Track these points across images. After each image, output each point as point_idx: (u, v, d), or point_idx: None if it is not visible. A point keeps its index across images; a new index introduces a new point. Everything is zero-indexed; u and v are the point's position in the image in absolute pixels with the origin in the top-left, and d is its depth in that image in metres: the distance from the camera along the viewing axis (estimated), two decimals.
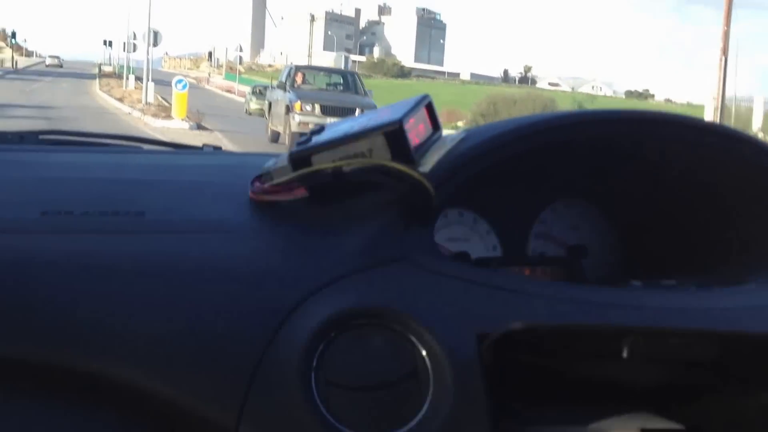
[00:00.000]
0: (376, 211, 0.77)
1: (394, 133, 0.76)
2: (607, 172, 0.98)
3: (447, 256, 0.81)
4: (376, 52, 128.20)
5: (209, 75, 63.37)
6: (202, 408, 0.63)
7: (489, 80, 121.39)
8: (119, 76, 52.36)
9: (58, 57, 76.40)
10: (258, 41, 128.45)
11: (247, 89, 36.89)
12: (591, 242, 1.02)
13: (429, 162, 0.78)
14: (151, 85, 25.53)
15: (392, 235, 0.74)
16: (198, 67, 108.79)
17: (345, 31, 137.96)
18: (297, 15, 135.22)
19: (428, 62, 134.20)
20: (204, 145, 1.32)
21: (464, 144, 0.81)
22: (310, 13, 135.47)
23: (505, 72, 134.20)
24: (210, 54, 65.90)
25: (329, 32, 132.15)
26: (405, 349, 0.66)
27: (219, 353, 0.65)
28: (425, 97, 0.83)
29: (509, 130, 0.83)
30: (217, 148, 1.28)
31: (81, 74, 55.16)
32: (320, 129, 0.84)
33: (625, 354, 0.68)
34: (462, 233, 0.98)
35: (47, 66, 67.88)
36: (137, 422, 0.67)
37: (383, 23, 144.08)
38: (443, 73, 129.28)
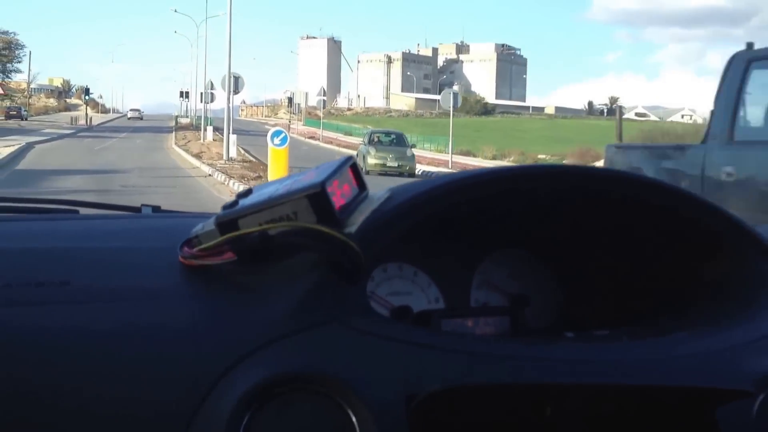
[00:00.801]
0: (305, 274, 0.76)
1: (316, 196, 0.77)
2: (539, 223, 1.00)
3: (380, 316, 0.81)
4: (457, 88, 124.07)
5: (289, 122, 59.88)
6: None
7: (575, 113, 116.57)
8: (196, 128, 49.38)
9: (139, 110, 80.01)
10: (334, 85, 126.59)
11: (357, 139, 31.35)
12: (531, 291, 1.03)
13: (354, 222, 0.79)
14: (233, 137, 21.25)
15: (322, 297, 0.74)
16: (276, 114, 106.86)
17: (423, 71, 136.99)
18: (373, 58, 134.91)
19: (510, 98, 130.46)
20: (142, 205, 1.31)
21: (389, 203, 0.82)
22: (387, 55, 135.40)
23: (590, 104, 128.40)
24: (290, 99, 62.22)
25: (408, 73, 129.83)
26: (333, 415, 0.65)
27: (144, 426, 0.65)
28: (348, 158, 0.84)
29: (427, 190, 0.84)
30: (156, 208, 1.29)
31: (158, 128, 52.30)
32: (247, 192, 0.85)
33: (548, 411, 0.70)
34: (403, 287, 0.98)
35: (129, 119, 71.52)
36: None
37: (461, 61, 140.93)
38: (527, 107, 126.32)
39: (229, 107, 23.63)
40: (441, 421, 0.68)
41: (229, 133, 21.57)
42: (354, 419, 0.65)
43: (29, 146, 27.57)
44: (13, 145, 25.88)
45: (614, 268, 1.00)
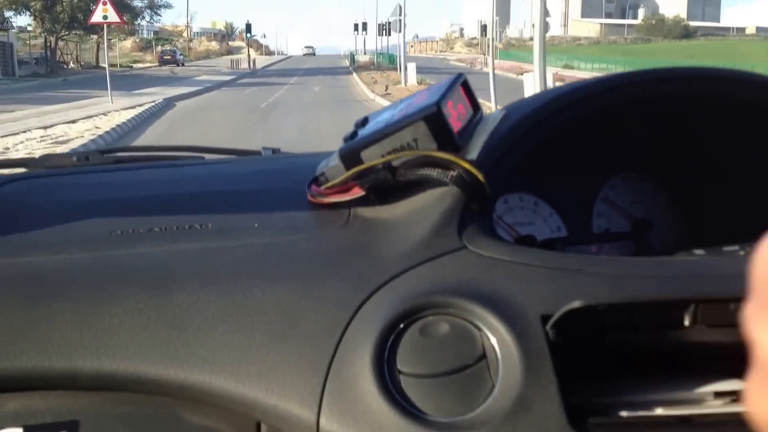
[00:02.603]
0: (433, 204, 0.78)
1: (433, 117, 0.76)
2: (660, 144, 0.99)
3: (506, 241, 0.82)
4: (641, 14, 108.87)
5: (488, 55, 49.43)
6: (284, 405, 0.66)
7: None
8: (381, 68, 39.99)
9: (311, 47, 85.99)
10: (504, 15, 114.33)
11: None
12: (655, 215, 1.04)
13: (474, 147, 0.79)
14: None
15: (450, 226, 0.75)
16: (452, 48, 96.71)
17: None
18: None
19: (702, 19, 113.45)
20: (263, 148, 1.37)
21: (506, 122, 0.82)
22: None
23: None
24: (484, 28, 51.14)
25: None
26: (472, 336, 0.67)
27: (294, 352, 0.68)
28: (459, 75, 0.83)
29: (545, 103, 0.83)
30: (276, 150, 1.35)
31: (333, 70, 43.42)
32: (364, 121, 0.85)
33: (687, 323, 0.69)
34: (525, 217, 1.00)
35: (304, 56, 77.21)
36: (225, 421, 0.70)
37: None
38: (727, 29, 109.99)
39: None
40: (578, 341, 0.69)
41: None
42: (493, 340, 0.66)
43: (168, 104, 18.75)
44: (144, 104, 17.10)
45: (739, 187, 0.98)
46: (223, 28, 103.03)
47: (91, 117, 14.27)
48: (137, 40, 66.49)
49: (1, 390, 0.69)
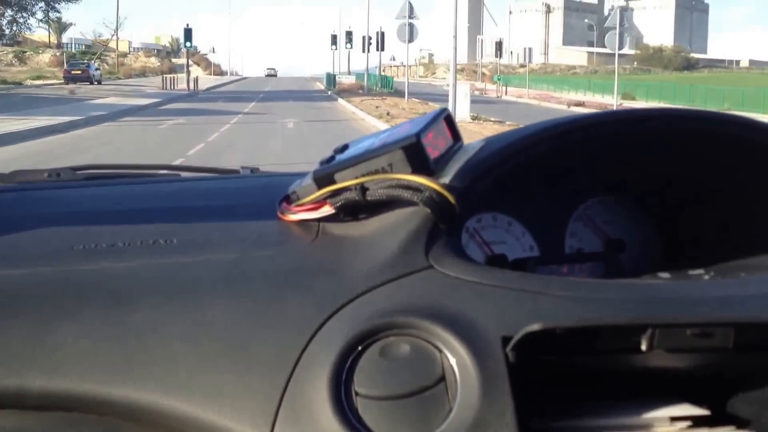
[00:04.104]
0: (401, 224, 0.79)
1: (411, 147, 0.78)
2: (634, 169, 1.01)
3: (474, 262, 0.82)
4: (626, 43, 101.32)
5: (499, 84, 38.54)
6: (236, 427, 0.66)
7: None
8: (373, 93, 28.95)
9: (273, 68, 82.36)
10: (472, 42, 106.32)
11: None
12: (629, 235, 1.05)
13: (449, 172, 0.80)
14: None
15: (417, 245, 0.76)
16: (433, 74, 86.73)
17: (587, 20, 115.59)
18: (528, 7, 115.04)
19: (690, 50, 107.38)
20: (241, 167, 1.37)
21: (483, 152, 0.84)
22: (545, 3, 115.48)
23: None
24: (499, 44, 40.29)
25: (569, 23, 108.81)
26: (432, 357, 0.67)
27: (251, 372, 0.68)
28: (443, 110, 0.86)
29: (521, 138, 0.85)
30: (255, 170, 1.36)
31: (304, 94, 32.18)
32: (343, 147, 0.87)
33: (644, 347, 0.69)
34: (498, 236, 1.00)
35: (266, 76, 73.08)
36: None
37: (632, 9, 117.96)
38: (722, 61, 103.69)
39: None
40: (537, 362, 0.70)
41: None
42: (453, 362, 0.66)
43: None
44: None
45: (710, 211, 1.00)
46: (168, 44, 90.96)
47: None
48: (57, 54, 54.45)
49: None
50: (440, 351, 0.66)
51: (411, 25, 19.94)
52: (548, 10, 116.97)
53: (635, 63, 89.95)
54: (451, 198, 0.76)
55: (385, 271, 0.74)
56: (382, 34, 30.20)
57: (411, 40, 20.28)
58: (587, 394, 0.73)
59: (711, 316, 0.73)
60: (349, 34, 39.77)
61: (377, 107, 19.51)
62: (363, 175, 0.80)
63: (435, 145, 0.81)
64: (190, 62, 66.08)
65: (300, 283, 0.74)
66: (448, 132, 0.84)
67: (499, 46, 39.83)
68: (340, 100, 24.90)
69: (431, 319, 0.68)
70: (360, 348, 0.67)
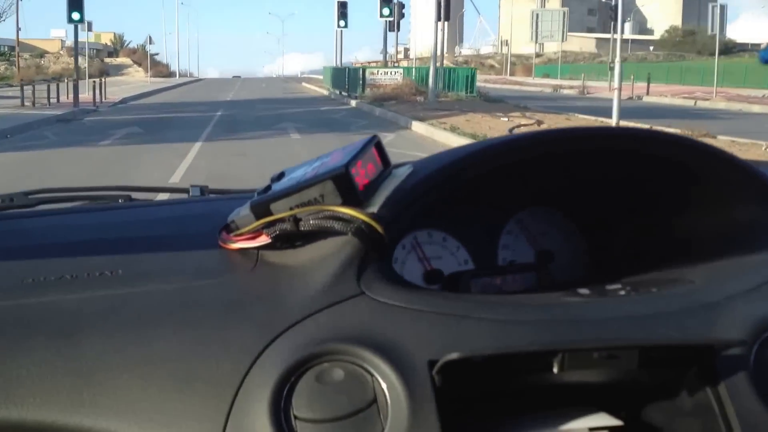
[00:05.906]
0: (334, 253, 0.82)
1: (340, 178, 0.82)
2: (561, 182, 1.06)
3: (405, 285, 0.87)
4: (628, 27, 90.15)
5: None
6: None
7: None
8: (442, 101, 15.62)
9: (239, 76, 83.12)
10: (455, 32, 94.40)
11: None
12: (557, 246, 1.09)
13: (377, 201, 0.84)
14: None
15: (349, 273, 0.80)
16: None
17: (586, 5, 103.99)
18: None
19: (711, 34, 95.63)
20: (191, 185, 1.39)
21: (412, 179, 0.87)
22: None
23: None
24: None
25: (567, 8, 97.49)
26: (364, 381, 0.71)
27: (195, 400, 0.70)
28: (373, 138, 0.90)
29: (448, 164, 0.89)
30: (204, 188, 1.38)
31: (302, 108, 19.68)
32: (280, 175, 0.91)
33: (555, 370, 0.74)
34: (434, 252, 1.04)
35: (232, 78, 73.72)
36: None
37: None
38: (744, 44, 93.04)
39: None
40: (463, 385, 0.74)
41: None
42: (384, 385, 0.70)
43: None
44: None
45: (631, 221, 1.05)
46: (110, 42, 76.89)
47: None
48: None
49: None
50: (371, 375, 0.71)
51: None
52: None
53: (651, 48, 78.32)
54: (379, 228, 0.80)
55: (319, 299, 0.77)
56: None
57: None
58: (509, 410, 0.77)
59: (617, 340, 0.78)
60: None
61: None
62: (297, 206, 0.84)
63: (365, 172, 0.85)
64: (130, 61, 51.97)
65: (240, 312, 0.77)
66: (378, 158, 0.88)
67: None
68: (422, 128, 12.88)
69: (362, 345, 0.72)
70: (297, 374, 0.70)
